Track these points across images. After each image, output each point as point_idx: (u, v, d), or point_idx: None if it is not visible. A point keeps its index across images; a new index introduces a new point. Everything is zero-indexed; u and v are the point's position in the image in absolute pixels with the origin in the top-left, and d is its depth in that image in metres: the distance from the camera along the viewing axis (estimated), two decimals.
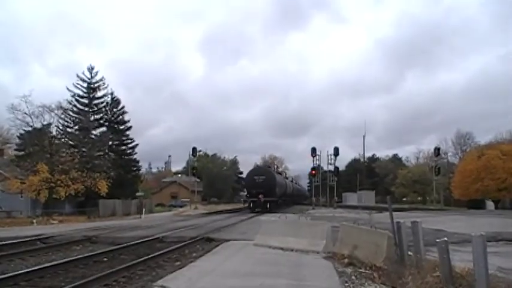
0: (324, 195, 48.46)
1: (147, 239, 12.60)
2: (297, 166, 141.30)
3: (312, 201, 43.80)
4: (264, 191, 31.37)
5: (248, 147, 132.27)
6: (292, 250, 9.70)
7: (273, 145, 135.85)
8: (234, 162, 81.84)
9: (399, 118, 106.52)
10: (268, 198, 31.35)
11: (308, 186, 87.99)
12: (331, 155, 41.28)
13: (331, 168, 42.44)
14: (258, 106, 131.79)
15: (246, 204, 34.31)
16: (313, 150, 40.50)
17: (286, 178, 49.85)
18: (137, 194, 42.68)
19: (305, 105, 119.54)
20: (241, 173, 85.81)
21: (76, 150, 33.33)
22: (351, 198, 58.42)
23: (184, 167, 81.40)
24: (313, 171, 41.44)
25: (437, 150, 44.15)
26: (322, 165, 44.46)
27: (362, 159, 72.73)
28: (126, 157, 42.14)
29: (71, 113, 36.65)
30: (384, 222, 9.91)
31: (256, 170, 36.05)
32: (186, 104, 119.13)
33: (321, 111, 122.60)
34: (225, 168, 75.92)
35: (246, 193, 35.14)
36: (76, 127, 36.65)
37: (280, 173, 46.21)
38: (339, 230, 10.01)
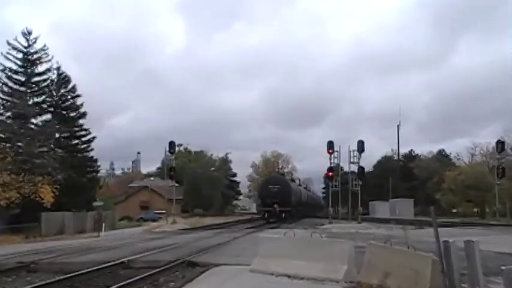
0: (344, 204, 48.61)
1: (107, 264, 12.74)
2: (308, 166, 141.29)
3: (329, 213, 43.93)
4: (279, 200, 39.32)
5: (244, 142, 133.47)
6: (302, 278, 9.82)
7: (276, 139, 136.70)
8: (225, 161, 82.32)
9: (447, 102, 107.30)
10: (283, 208, 39.13)
11: (323, 192, 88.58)
12: (354, 152, 41.17)
13: (355, 168, 42.38)
14: (257, 87, 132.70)
15: (260, 215, 43.42)
16: (330, 144, 40.38)
17: (300, 185, 58.81)
18: (94, 203, 42.68)
19: (319, 85, 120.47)
20: (234, 175, 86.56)
21: (9, 145, 33.20)
22: (381, 208, 58.61)
23: (158, 168, 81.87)
24: (330, 173, 41.42)
25: (500, 145, 44.21)
26: (342, 164, 44.58)
27: (396, 157, 72.88)
28: (79, 154, 42.28)
29: (0, 95, 36.50)
30: (426, 241, 9.93)
31: (271, 179, 46.27)
32: (162, 85, 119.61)
33: (341, 93, 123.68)
34: (213, 169, 76.30)
35: (259, 202, 44.53)
36: (8, 114, 36.60)
37: (293, 180, 56.46)
38: (365, 252, 10.12)
